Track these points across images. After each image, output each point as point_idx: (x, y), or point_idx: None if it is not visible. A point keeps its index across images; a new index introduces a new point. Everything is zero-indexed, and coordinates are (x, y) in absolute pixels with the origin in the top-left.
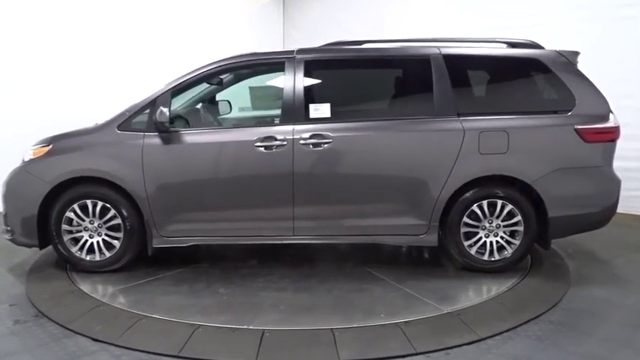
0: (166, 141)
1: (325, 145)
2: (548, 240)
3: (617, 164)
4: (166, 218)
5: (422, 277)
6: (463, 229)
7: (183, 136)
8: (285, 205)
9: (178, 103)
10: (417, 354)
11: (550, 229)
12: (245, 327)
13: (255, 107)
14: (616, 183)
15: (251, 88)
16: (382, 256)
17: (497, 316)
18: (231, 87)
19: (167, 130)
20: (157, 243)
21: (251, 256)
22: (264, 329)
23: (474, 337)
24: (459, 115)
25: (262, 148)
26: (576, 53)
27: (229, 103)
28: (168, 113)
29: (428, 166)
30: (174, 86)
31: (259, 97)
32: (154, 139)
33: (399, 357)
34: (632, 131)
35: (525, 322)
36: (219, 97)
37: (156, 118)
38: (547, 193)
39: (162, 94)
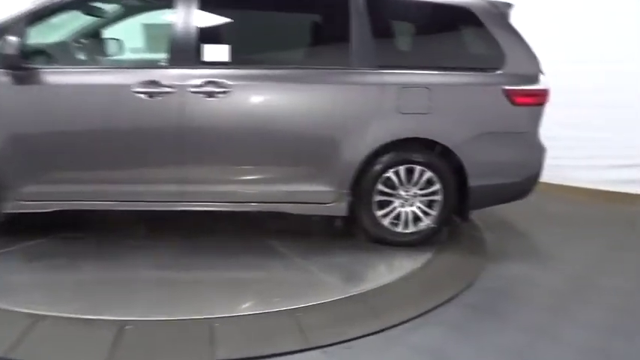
0: (20, 80)
1: (221, 96)
2: (467, 211)
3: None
4: (21, 178)
5: (330, 251)
6: (376, 198)
7: (43, 76)
8: (172, 165)
9: (47, 35)
10: (311, 349)
11: (470, 200)
12: (102, 317)
13: (148, 49)
14: (541, 151)
15: (144, 26)
16: (290, 227)
17: (408, 298)
18: (122, 23)
19: (18, 67)
20: (8, 208)
21: (138, 225)
22: (126, 320)
23: (381, 324)
24: (378, 67)
25: (143, 95)
26: (509, 5)
27: (120, 42)
28: (17, 44)
29: (339, 125)
30: (32, 12)
31: (154, 36)
32: (1, 78)
33: (288, 354)
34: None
35: (439, 306)
36: (106, 34)
37: (1, 50)
38: (469, 159)
39: (12, 20)
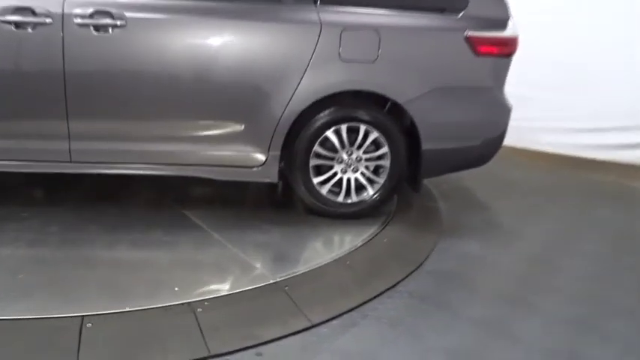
0: None
1: (115, 30)
2: (420, 180)
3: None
4: None
5: (254, 225)
6: (313, 162)
7: None
8: (53, 116)
9: None
10: (208, 358)
11: (423, 166)
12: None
13: None
14: (506, 111)
15: None
16: (210, 195)
17: (340, 287)
18: None
19: None
20: None
21: (28, 190)
22: None
23: (303, 323)
24: (316, 2)
25: (11, 26)
26: None
27: None
28: None
29: (268, 72)
30: None
31: None
32: None
33: None
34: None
35: (378, 295)
36: None
37: None
38: (423, 118)
39: None
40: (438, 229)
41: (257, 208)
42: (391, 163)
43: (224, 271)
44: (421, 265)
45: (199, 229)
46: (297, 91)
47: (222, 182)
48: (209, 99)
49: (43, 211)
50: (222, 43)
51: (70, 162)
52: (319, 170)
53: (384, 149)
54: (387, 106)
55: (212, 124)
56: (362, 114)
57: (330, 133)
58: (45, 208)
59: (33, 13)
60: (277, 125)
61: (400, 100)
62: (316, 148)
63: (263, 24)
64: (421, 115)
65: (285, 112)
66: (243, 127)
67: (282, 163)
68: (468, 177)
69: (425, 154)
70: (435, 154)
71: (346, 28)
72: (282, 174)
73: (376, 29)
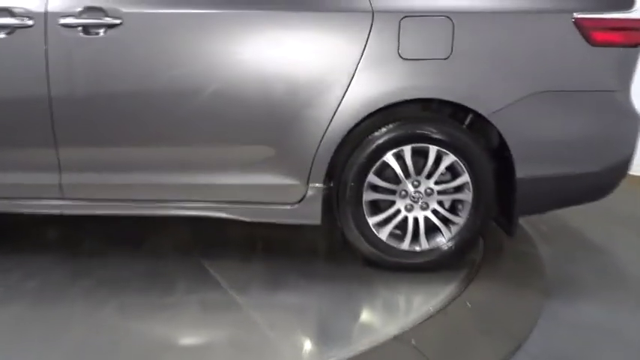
0: None
1: (109, 31)
2: (514, 219)
3: None
4: None
5: (288, 280)
6: (368, 196)
7: None
8: (39, 141)
9: None
10: None
11: (518, 201)
12: None
13: None
14: (635, 123)
15: None
16: (236, 236)
17: None
18: None
19: None
20: None
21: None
22: None
23: None
24: None
25: None
26: None
27: None
28: None
29: (302, 79)
30: None
31: None
32: None
33: None
34: None
35: None
36: None
37: None
38: (517, 135)
39: None
40: (541, 287)
41: (296, 257)
42: (474, 197)
43: (238, 352)
44: (522, 344)
45: (214, 286)
46: (342, 102)
47: (253, 224)
48: (230, 116)
49: (27, 261)
50: (242, 44)
51: (63, 199)
52: (377, 207)
53: (464, 178)
54: (466, 120)
55: (234, 149)
56: (432, 131)
57: (389, 158)
58: (30, 257)
59: (11, 14)
60: (318, 148)
61: (484, 112)
62: (371, 177)
63: (294, 18)
64: (514, 130)
65: (328, 130)
66: (273, 151)
67: (327, 197)
68: (574, 213)
69: (521, 185)
70: (535, 183)
71: (407, 14)
72: (327, 212)
73: (448, 15)
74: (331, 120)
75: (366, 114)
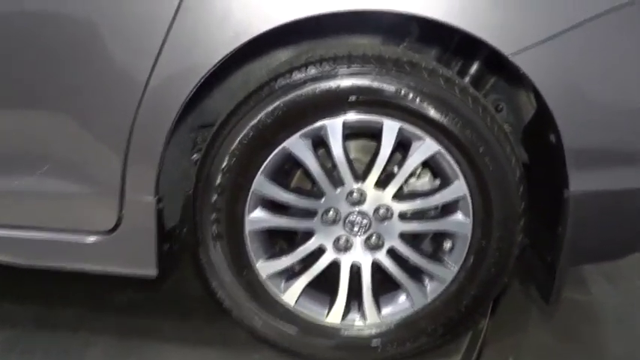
0: None
1: None
2: (558, 272)
3: None
4: None
5: None
6: (254, 220)
7: None
8: None
9: None
10: None
11: (569, 238)
12: None
13: None
14: None
15: None
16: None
17: None
18: None
19: None
20: None
21: None
22: None
23: None
24: None
25: None
26: None
27: None
28: None
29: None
30: None
31: None
32: None
33: None
34: None
35: None
36: None
37: None
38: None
39: None
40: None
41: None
42: (476, 227)
43: None
44: None
45: None
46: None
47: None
48: None
49: None
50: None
51: None
52: (271, 248)
53: (456, 188)
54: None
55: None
56: (387, 84)
57: (294, 143)
58: None
59: None
60: (130, 135)
61: (504, 50)
62: (260, 183)
63: None
64: (558, 94)
65: (142, 106)
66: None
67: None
68: None
69: (576, 207)
70: (603, 203)
71: None
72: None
73: None
74: (145, 86)
75: (220, 58)
